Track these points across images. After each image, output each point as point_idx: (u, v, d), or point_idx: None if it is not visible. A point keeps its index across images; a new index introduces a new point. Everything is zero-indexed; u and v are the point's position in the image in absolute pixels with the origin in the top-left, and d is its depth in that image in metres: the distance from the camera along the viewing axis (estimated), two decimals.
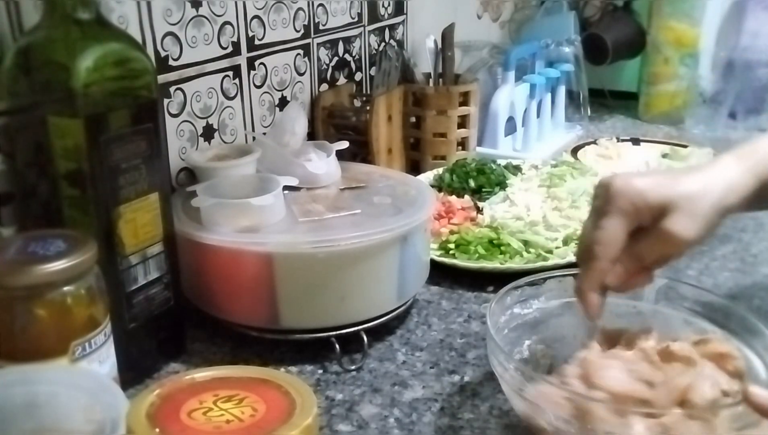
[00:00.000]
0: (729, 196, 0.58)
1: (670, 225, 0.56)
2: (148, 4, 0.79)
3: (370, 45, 1.18)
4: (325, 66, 1.09)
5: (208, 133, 0.90)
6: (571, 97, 1.41)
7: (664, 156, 1.26)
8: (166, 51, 0.82)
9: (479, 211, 0.98)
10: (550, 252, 0.87)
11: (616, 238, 0.57)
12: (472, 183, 1.04)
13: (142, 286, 0.65)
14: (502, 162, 1.12)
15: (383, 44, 1.21)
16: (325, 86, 1.09)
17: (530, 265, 0.84)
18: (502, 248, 0.87)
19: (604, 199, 0.58)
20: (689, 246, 0.57)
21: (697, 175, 0.58)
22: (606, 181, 0.59)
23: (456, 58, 1.17)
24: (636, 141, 1.34)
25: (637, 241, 0.57)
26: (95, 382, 0.49)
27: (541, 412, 0.54)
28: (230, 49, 0.90)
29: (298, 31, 1.01)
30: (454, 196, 1.01)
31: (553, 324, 0.67)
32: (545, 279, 0.67)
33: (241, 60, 0.92)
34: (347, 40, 1.12)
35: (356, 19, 1.13)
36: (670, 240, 0.56)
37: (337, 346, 0.69)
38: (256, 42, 0.94)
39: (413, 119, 1.14)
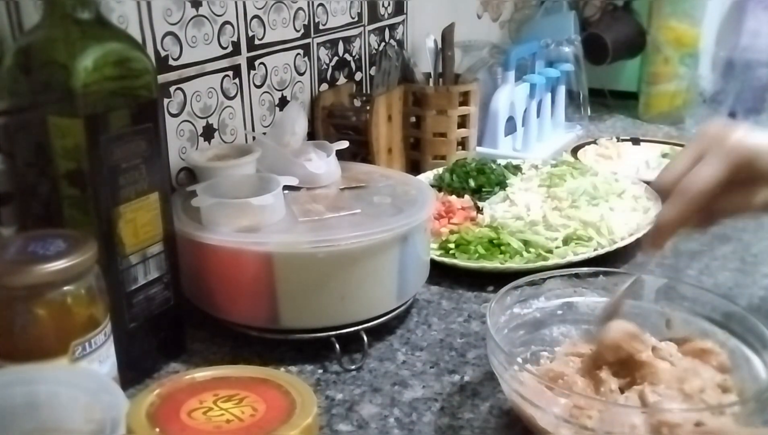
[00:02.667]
0: None
1: (765, 195, 0.56)
2: (148, 4, 0.79)
3: (370, 45, 1.18)
4: (325, 66, 1.09)
5: (208, 132, 0.90)
6: (571, 96, 1.41)
7: (664, 156, 1.26)
8: (166, 51, 0.82)
9: (479, 210, 0.98)
10: (550, 252, 0.87)
11: (715, 182, 0.56)
12: (472, 183, 1.04)
13: (142, 285, 0.65)
14: (502, 162, 1.12)
15: (383, 44, 1.21)
16: (325, 86, 1.09)
17: (530, 265, 0.84)
18: (502, 248, 0.87)
19: (714, 144, 0.57)
20: (762, 214, 0.57)
21: None
22: (717, 127, 0.58)
23: (456, 58, 1.17)
24: (636, 141, 1.34)
25: (722, 194, 0.57)
26: (95, 381, 0.49)
27: (540, 412, 0.54)
28: (230, 48, 0.90)
29: (298, 31, 1.01)
30: (454, 196, 1.01)
31: (552, 324, 0.67)
32: (545, 279, 0.67)
33: (241, 60, 0.92)
34: (347, 40, 1.12)
35: (356, 19, 1.13)
36: (755, 207, 0.56)
37: (337, 345, 0.69)
38: (256, 42, 0.94)
39: (413, 119, 1.14)
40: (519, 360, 0.62)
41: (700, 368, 0.58)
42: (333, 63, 1.10)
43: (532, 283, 0.67)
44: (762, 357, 0.58)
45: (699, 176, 0.57)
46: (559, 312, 0.68)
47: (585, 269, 0.69)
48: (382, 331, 0.74)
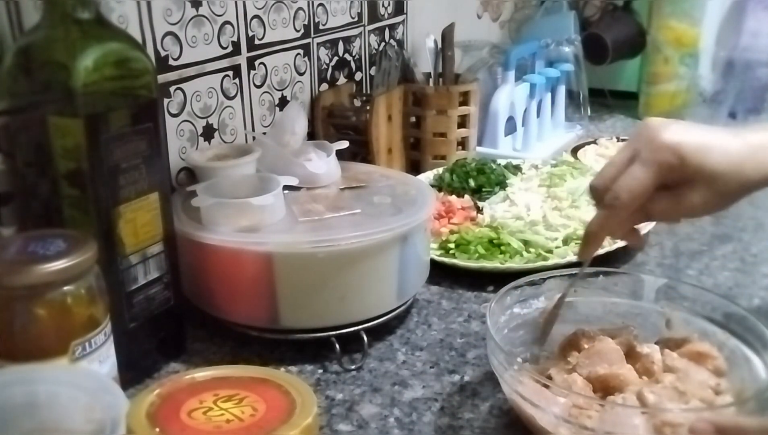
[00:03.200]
0: (758, 173, 0.56)
1: (695, 198, 0.55)
2: (148, 4, 0.79)
3: (370, 45, 1.18)
4: (325, 66, 1.09)
5: (208, 132, 0.90)
6: (571, 96, 1.41)
7: None
8: (166, 51, 0.82)
9: (479, 210, 0.98)
10: (550, 252, 0.87)
11: (644, 189, 0.55)
12: (472, 183, 1.04)
13: (142, 285, 0.65)
14: (502, 162, 1.12)
15: (383, 44, 1.21)
16: (325, 86, 1.09)
17: (530, 265, 0.84)
18: (502, 248, 0.87)
19: (645, 144, 0.56)
20: (696, 216, 0.57)
21: (735, 145, 0.56)
22: (651, 125, 0.57)
23: (456, 58, 1.17)
24: None
25: (652, 199, 0.56)
26: (95, 381, 0.49)
27: (540, 412, 0.54)
28: (230, 48, 0.90)
29: (298, 31, 1.01)
30: (454, 196, 1.01)
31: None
32: (545, 279, 0.67)
33: (241, 60, 0.92)
34: (347, 40, 1.12)
35: (356, 19, 1.13)
36: (688, 210, 0.55)
37: (337, 345, 0.69)
38: (256, 42, 0.94)
39: (413, 119, 1.14)
40: (519, 360, 0.62)
41: (692, 371, 0.58)
42: (333, 63, 1.10)
43: (532, 283, 0.67)
44: (762, 357, 0.58)
45: (626, 183, 0.56)
46: (559, 312, 0.68)
47: (585, 269, 0.69)
48: (382, 331, 0.74)
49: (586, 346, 0.60)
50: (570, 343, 0.62)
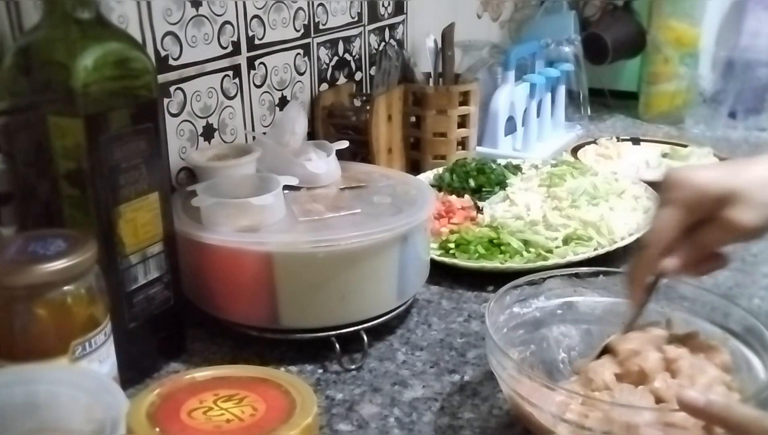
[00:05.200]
0: None
1: (732, 214, 0.56)
2: (148, 4, 0.79)
3: (370, 45, 1.18)
4: (325, 66, 1.09)
5: (208, 132, 0.90)
6: (571, 96, 1.41)
7: (664, 155, 1.26)
8: (166, 51, 0.82)
9: (479, 210, 0.98)
10: (550, 251, 0.87)
11: (669, 226, 0.58)
12: (472, 182, 1.04)
13: (142, 285, 0.65)
14: (502, 161, 1.12)
15: (383, 44, 1.21)
16: (325, 86, 1.09)
17: (530, 265, 0.84)
18: (502, 248, 0.87)
19: (666, 191, 0.59)
20: (752, 234, 0.57)
21: (758, 166, 0.58)
22: (667, 174, 0.60)
23: (456, 58, 1.17)
24: (636, 140, 1.34)
25: (697, 231, 0.58)
26: (95, 381, 0.49)
27: (539, 412, 0.54)
28: (230, 48, 0.90)
29: (298, 31, 1.01)
30: (454, 196, 1.01)
31: (552, 323, 0.67)
32: (545, 278, 0.67)
33: (241, 60, 0.92)
34: (347, 40, 1.12)
35: (356, 19, 1.13)
36: (731, 229, 0.56)
37: (337, 345, 0.69)
38: (256, 42, 0.94)
39: (413, 119, 1.14)
40: (518, 359, 0.62)
41: (707, 366, 0.58)
42: (333, 63, 1.10)
43: (531, 283, 0.67)
44: (761, 357, 0.58)
45: (652, 223, 0.59)
46: (559, 312, 0.68)
47: (585, 269, 0.69)
48: (382, 330, 0.74)
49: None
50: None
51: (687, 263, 0.59)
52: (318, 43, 1.06)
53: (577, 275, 0.68)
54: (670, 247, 0.58)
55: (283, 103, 1.01)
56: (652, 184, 1.05)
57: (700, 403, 0.48)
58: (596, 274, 0.68)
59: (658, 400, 0.55)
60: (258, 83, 0.96)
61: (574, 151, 1.27)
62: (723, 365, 0.59)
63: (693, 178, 0.58)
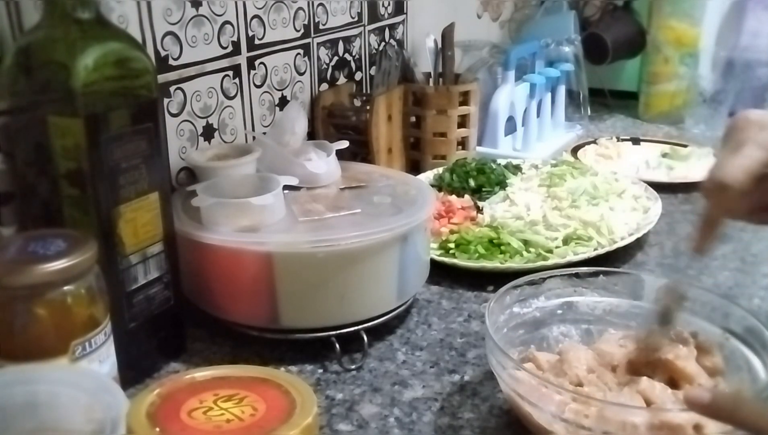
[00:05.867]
0: None
1: None
2: (148, 4, 0.79)
3: (370, 44, 1.18)
4: (325, 65, 1.09)
5: (208, 132, 0.90)
6: (571, 96, 1.41)
7: (664, 155, 1.26)
8: (166, 50, 0.82)
9: (479, 210, 0.98)
10: (550, 251, 0.87)
11: (754, 166, 0.53)
12: (472, 182, 1.04)
13: (142, 285, 0.65)
14: (502, 161, 1.12)
15: (383, 44, 1.21)
16: (325, 86, 1.09)
17: (530, 265, 0.84)
18: (502, 248, 0.87)
19: (755, 131, 0.54)
20: None
21: None
22: (754, 116, 0.55)
23: (456, 58, 1.17)
24: (636, 140, 1.34)
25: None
26: (95, 381, 0.49)
27: (538, 411, 0.54)
28: (230, 48, 0.90)
29: (298, 31, 1.01)
30: (454, 196, 1.01)
31: (552, 323, 0.67)
32: (544, 278, 0.67)
33: (241, 59, 0.92)
34: (347, 40, 1.12)
35: (356, 19, 1.13)
36: None
37: (337, 345, 0.69)
38: (256, 41, 0.94)
39: (413, 119, 1.14)
40: (518, 359, 0.62)
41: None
42: (333, 63, 1.10)
43: (531, 283, 0.67)
44: (761, 358, 0.58)
45: (740, 162, 0.53)
46: (559, 311, 0.68)
47: (585, 269, 0.69)
48: (382, 330, 0.74)
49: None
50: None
51: (753, 209, 0.56)
52: (318, 43, 1.06)
53: (577, 275, 0.68)
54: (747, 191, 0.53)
55: (283, 103, 1.01)
56: (653, 184, 1.05)
57: (705, 399, 0.47)
58: (596, 274, 0.68)
59: (647, 401, 0.55)
60: (258, 83, 0.96)
61: (574, 151, 1.27)
62: (713, 369, 0.59)
63: None
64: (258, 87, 0.96)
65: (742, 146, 0.54)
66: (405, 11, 1.26)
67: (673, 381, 0.58)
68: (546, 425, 0.54)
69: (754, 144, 0.54)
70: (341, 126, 1.07)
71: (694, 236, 0.57)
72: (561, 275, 0.68)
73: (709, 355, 0.60)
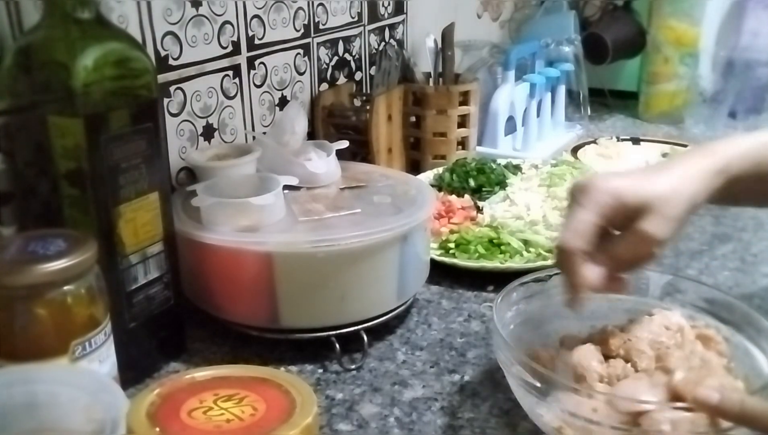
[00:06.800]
0: (700, 194, 0.58)
1: (646, 226, 0.56)
2: (148, 4, 0.79)
3: (370, 44, 1.18)
4: (325, 65, 1.09)
5: (208, 132, 0.90)
6: (571, 96, 1.41)
7: (664, 155, 1.26)
8: (166, 50, 0.82)
9: (479, 210, 0.98)
10: (550, 251, 0.87)
11: (588, 229, 0.57)
12: (472, 182, 1.04)
13: (142, 285, 0.65)
14: (502, 161, 1.12)
15: (383, 44, 1.21)
16: (325, 86, 1.09)
17: (530, 265, 0.84)
18: (502, 248, 0.87)
19: (582, 194, 0.58)
20: (663, 245, 0.57)
21: (670, 173, 0.59)
22: (583, 180, 0.59)
23: (456, 58, 1.17)
24: (636, 140, 1.34)
25: (611, 242, 0.58)
26: (95, 381, 0.49)
27: (548, 407, 0.54)
28: (230, 48, 0.90)
29: (298, 31, 1.01)
30: (454, 196, 1.01)
31: (557, 320, 0.67)
32: (551, 275, 0.67)
33: (241, 59, 0.92)
34: (347, 40, 1.12)
35: (356, 19, 1.13)
36: (646, 240, 0.56)
37: (337, 345, 0.69)
38: (256, 41, 0.94)
39: (413, 119, 1.14)
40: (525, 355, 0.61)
41: (706, 354, 0.58)
42: (333, 63, 1.10)
43: (537, 280, 0.67)
44: (766, 352, 0.58)
45: (571, 225, 0.57)
46: (564, 308, 0.68)
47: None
48: (382, 330, 0.74)
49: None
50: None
51: (604, 278, 0.58)
52: (318, 43, 1.06)
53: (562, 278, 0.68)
54: (588, 253, 0.57)
55: (283, 103, 1.01)
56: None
57: (713, 400, 0.48)
58: None
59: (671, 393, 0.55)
60: (258, 83, 0.96)
61: (574, 151, 1.27)
62: (720, 353, 0.60)
63: (611, 185, 0.57)
64: (258, 87, 0.96)
65: (578, 210, 0.57)
66: (405, 11, 1.26)
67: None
68: (556, 420, 0.54)
69: (579, 206, 0.57)
70: (341, 126, 1.07)
71: (565, 296, 0.59)
72: None
73: (712, 342, 0.60)
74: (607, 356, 0.59)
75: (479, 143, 1.22)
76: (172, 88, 0.83)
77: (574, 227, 0.57)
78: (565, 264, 0.58)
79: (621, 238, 0.58)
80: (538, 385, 0.54)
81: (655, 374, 0.57)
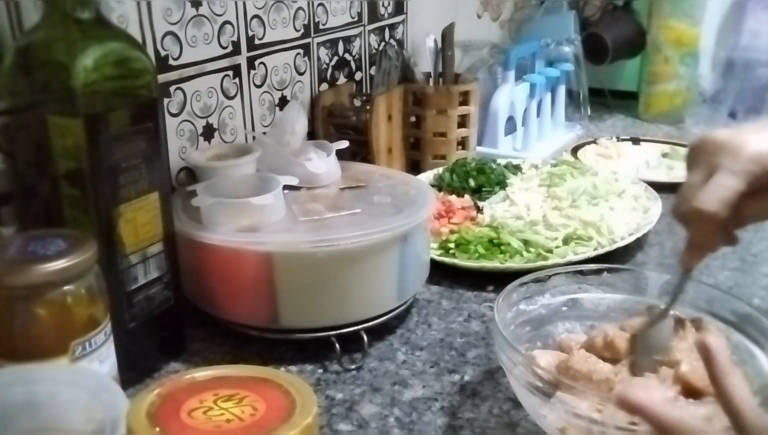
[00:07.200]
0: None
1: None
2: (148, 4, 0.79)
3: (370, 44, 1.18)
4: (325, 65, 1.09)
5: (208, 132, 0.90)
6: (571, 96, 1.41)
7: (664, 155, 1.26)
8: (166, 50, 0.82)
9: (479, 210, 0.98)
10: (550, 251, 0.87)
11: (733, 196, 0.53)
12: (472, 182, 1.04)
13: (142, 285, 0.65)
14: (502, 161, 1.12)
15: (383, 44, 1.21)
16: (325, 86, 1.09)
17: (530, 265, 0.84)
18: (502, 248, 0.87)
19: (729, 157, 0.54)
20: None
21: None
22: (714, 137, 0.56)
23: (456, 58, 1.17)
24: (636, 140, 1.34)
25: (744, 202, 0.54)
26: (95, 381, 0.49)
27: (549, 407, 0.54)
28: (230, 48, 0.90)
29: (298, 31, 1.01)
30: (454, 196, 1.01)
31: (557, 320, 0.67)
32: (550, 276, 0.67)
33: (241, 59, 0.92)
34: (347, 40, 1.12)
35: (356, 19, 1.13)
36: None
37: (337, 345, 0.69)
38: (256, 41, 0.94)
39: (413, 119, 1.14)
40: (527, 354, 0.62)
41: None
42: (333, 63, 1.10)
43: (537, 280, 0.67)
44: (766, 352, 0.58)
45: (716, 192, 0.53)
46: (564, 308, 0.68)
47: (589, 266, 0.69)
48: (382, 330, 0.74)
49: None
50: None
51: (726, 235, 0.56)
52: (318, 43, 1.06)
53: (581, 272, 0.68)
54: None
55: (283, 103, 1.01)
56: (653, 184, 1.05)
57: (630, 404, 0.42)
58: (600, 272, 0.69)
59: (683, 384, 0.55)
60: (258, 83, 0.96)
61: (574, 151, 1.27)
62: None
63: (751, 147, 0.53)
64: (258, 87, 0.96)
65: (716, 173, 0.54)
66: (405, 11, 1.26)
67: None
68: (558, 420, 0.54)
69: (728, 172, 0.53)
70: (341, 126, 1.07)
71: (682, 256, 0.58)
72: (566, 272, 0.68)
73: (706, 331, 0.60)
74: (610, 356, 0.59)
75: (479, 143, 1.22)
76: (172, 88, 0.83)
77: (719, 193, 0.53)
78: (699, 227, 0.55)
79: (758, 200, 0.54)
80: (542, 386, 0.54)
81: (661, 369, 0.57)
